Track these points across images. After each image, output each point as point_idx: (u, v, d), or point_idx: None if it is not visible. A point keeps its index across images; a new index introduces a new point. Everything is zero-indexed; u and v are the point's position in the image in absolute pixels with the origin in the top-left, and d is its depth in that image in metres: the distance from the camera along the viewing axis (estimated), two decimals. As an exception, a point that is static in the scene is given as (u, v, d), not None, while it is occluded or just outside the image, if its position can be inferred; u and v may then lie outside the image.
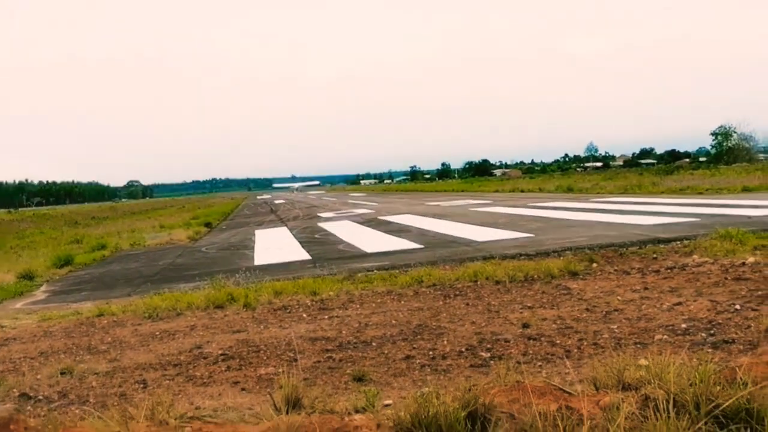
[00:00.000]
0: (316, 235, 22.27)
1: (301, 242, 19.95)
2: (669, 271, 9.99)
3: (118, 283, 14.58)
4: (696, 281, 9.02)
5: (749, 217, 16.30)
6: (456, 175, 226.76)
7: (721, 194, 27.42)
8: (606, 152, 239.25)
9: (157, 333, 8.78)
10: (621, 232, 15.13)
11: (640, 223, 16.83)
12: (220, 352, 7.41)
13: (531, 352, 6.32)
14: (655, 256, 11.50)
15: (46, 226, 52.74)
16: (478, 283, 10.26)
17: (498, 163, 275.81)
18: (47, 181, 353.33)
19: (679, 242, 12.71)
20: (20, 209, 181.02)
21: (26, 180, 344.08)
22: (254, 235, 25.25)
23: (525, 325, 7.32)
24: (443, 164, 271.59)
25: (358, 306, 9.40)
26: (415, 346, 6.95)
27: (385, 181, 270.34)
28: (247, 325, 8.78)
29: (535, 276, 10.31)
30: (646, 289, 8.82)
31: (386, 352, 6.82)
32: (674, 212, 19.09)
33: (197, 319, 9.51)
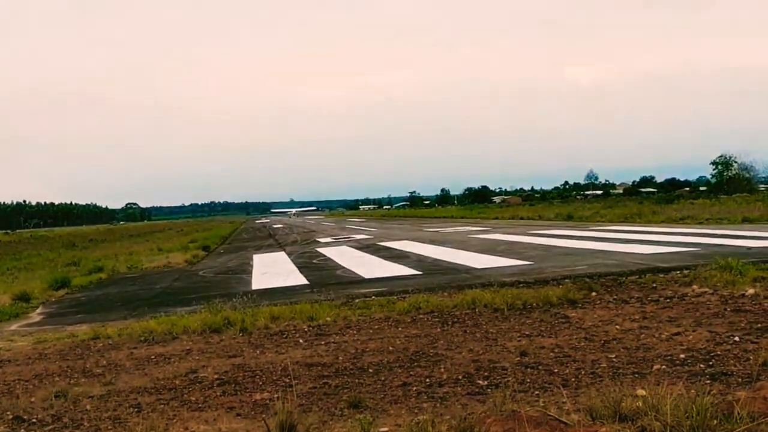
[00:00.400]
0: (315, 260, 22.24)
1: (299, 267, 19.91)
2: (668, 300, 9.96)
3: (115, 306, 14.52)
4: (695, 312, 8.99)
5: (749, 248, 16.26)
6: (455, 202, 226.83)
7: (721, 224, 27.38)
8: (606, 180, 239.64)
9: (153, 357, 8.74)
10: (620, 260, 15.09)
11: (639, 252, 16.79)
12: (215, 376, 7.36)
13: (528, 380, 6.29)
14: (654, 285, 11.47)
15: (44, 248, 52.70)
16: (476, 310, 10.22)
17: (498, 190, 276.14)
18: (45, 203, 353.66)
19: (678, 272, 12.67)
20: (18, 230, 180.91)
21: (24, 201, 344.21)
22: (252, 259, 25.21)
23: (523, 354, 7.29)
24: (443, 190, 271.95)
25: (355, 332, 9.36)
26: (412, 373, 6.91)
27: (385, 207, 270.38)
28: (243, 349, 8.73)
29: (534, 304, 10.27)
30: (645, 318, 8.78)
31: (383, 378, 6.78)
32: (674, 242, 19.06)
33: (193, 343, 9.46)
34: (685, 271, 12.56)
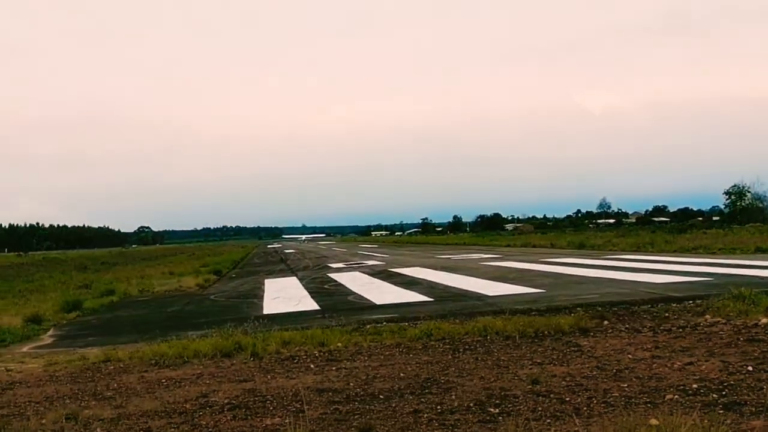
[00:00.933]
0: (326, 286, 22.26)
1: (310, 292, 19.92)
2: (681, 330, 9.91)
3: (126, 329, 14.55)
4: (708, 341, 8.94)
5: (762, 278, 16.19)
6: (467, 229, 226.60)
7: (734, 254, 27.30)
8: (619, 209, 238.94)
9: (164, 380, 8.74)
10: (633, 289, 15.05)
11: (652, 281, 16.74)
12: (226, 401, 7.36)
13: (540, 408, 6.26)
14: (666, 314, 11.43)
15: (56, 270, 52.76)
16: (488, 337, 10.20)
17: (510, 218, 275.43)
18: (58, 225, 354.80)
19: (691, 301, 12.62)
20: (30, 252, 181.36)
21: (37, 223, 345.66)
22: (264, 284, 25.22)
23: (534, 382, 7.26)
24: (455, 217, 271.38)
25: (366, 358, 9.34)
26: (423, 399, 6.89)
27: (396, 233, 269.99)
28: (254, 374, 8.73)
29: (546, 332, 10.24)
30: (657, 347, 8.74)
31: (394, 405, 6.76)
32: (687, 271, 18.99)
33: (204, 367, 9.46)
34: (698, 301, 12.51)
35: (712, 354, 8.16)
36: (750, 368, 7.28)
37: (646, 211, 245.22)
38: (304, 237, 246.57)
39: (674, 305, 12.41)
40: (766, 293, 12.38)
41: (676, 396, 6.35)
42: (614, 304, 12.88)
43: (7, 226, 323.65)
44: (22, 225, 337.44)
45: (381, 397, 7.13)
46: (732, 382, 6.73)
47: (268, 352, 10.07)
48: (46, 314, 17.40)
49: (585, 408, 6.19)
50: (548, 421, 5.88)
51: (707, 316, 10.82)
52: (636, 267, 21.72)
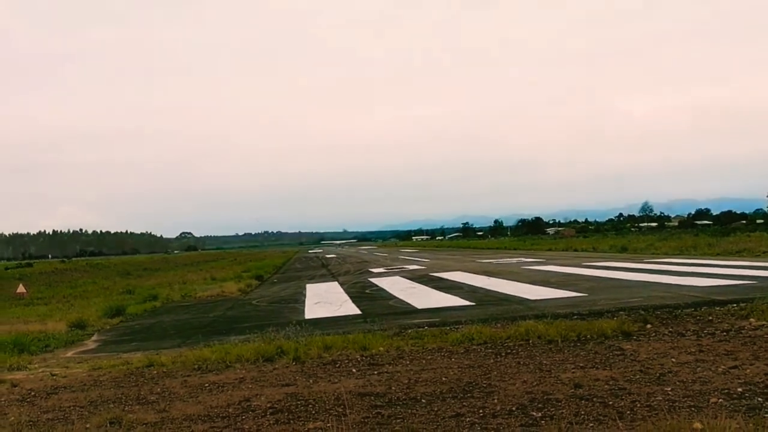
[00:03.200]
0: (367, 290, 22.29)
1: (351, 297, 19.97)
2: (725, 334, 9.80)
3: (169, 334, 14.70)
4: (753, 345, 8.83)
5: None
6: (508, 233, 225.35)
7: (779, 257, 26.90)
8: (661, 212, 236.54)
9: (206, 385, 8.81)
10: (676, 293, 14.89)
11: (695, 284, 16.54)
12: (268, 405, 7.41)
13: (583, 412, 6.22)
14: (710, 318, 11.29)
15: (99, 276, 53.43)
16: (530, 341, 10.15)
17: (551, 222, 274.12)
18: (101, 231, 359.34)
19: (735, 305, 12.46)
20: (74, 258, 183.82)
21: (81, 230, 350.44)
22: (305, 288, 25.33)
23: (577, 386, 7.22)
24: (496, 221, 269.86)
25: (408, 362, 9.35)
26: (465, 403, 6.88)
27: (437, 238, 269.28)
28: (296, 378, 8.77)
29: (588, 336, 10.17)
30: (701, 351, 8.65)
31: (436, 409, 6.76)
32: (730, 274, 18.74)
33: (246, 371, 9.53)
34: (742, 304, 12.34)
35: (756, 358, 8.06)
36: (796, 372, 7.19)
37: (689, 214, 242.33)
38: (340, 242, 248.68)
39: (718, 309, 12.27)
40: (811, 297, 12.22)
41: (720, 399, 6.29)
42: (657, 308, 12.75)
43: (51, 233, 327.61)
44: (66, 231, 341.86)
45: (423, 401, 7.14)
46: (777, 386, 6.66)
47: (310, 356, 10.12)
48: (90, 319, 17.68)
49: (628, 412, 6.14)
50: (591, 424, 5.85)
51: (752, 320, 10.68)
52: (679, 270, 21.48)
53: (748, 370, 7.42)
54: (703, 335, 9.83)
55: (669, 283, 17.29)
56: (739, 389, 6.63)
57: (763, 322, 10.40)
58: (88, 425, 7.07)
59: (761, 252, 30.23)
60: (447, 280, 24.39)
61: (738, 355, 8.32)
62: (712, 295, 14.03)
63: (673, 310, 12.49)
